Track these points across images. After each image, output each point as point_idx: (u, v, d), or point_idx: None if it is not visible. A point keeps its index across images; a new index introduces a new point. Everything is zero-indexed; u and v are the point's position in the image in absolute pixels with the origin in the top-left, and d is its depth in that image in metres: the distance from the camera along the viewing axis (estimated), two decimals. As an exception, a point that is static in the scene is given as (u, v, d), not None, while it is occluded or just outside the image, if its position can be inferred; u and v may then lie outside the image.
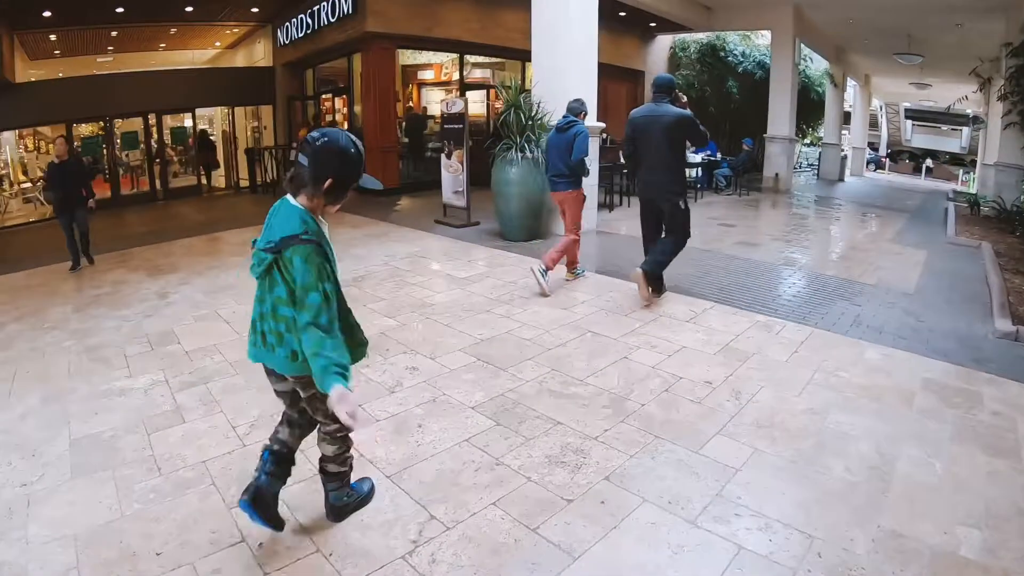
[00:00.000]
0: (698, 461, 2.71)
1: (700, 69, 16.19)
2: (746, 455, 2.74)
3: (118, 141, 13.46)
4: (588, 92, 7.76)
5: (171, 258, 7.76)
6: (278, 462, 2.26)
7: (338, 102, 13.54)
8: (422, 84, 14.42)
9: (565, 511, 2.41)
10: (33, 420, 3.44)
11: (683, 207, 4.80)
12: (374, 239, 8.04)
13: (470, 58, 13.33)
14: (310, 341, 1.87)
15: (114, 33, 12.41)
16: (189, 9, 11.68)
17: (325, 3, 11.48)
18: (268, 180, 13.33)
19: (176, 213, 12.00)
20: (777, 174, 13.48)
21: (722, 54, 16.08)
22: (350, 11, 10.88)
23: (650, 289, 4.79)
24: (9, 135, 13.11)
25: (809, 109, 17.79)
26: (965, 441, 2.90)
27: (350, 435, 2.26)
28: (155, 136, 14.00)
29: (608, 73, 14.93)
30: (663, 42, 16.48)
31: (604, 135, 10.57)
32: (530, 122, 7.46)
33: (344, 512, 2.37)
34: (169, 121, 14.62)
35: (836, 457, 2.74)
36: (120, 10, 10.79)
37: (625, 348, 4.04)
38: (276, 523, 2.22)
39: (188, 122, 15.31)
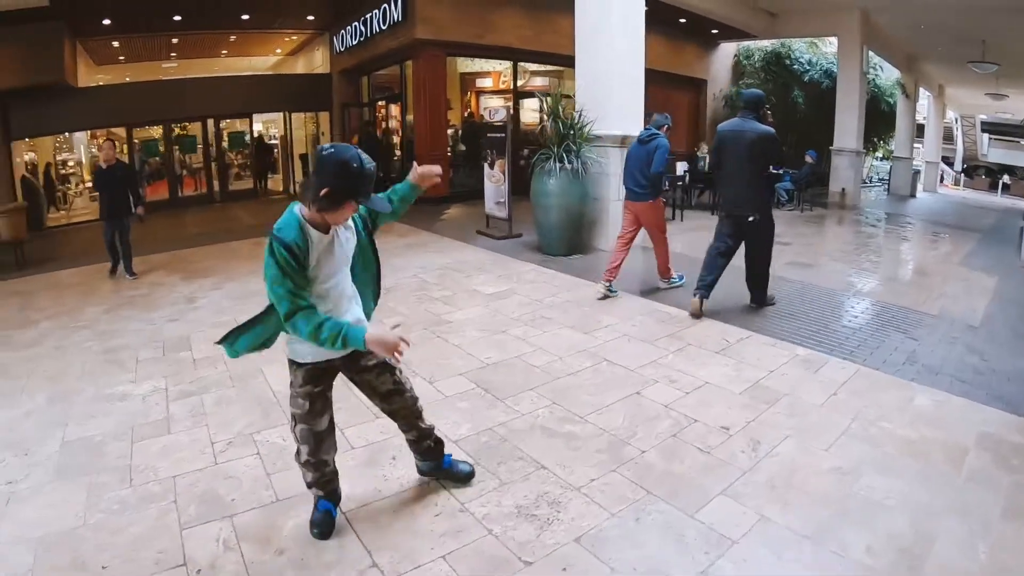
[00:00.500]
0: (690, 527, 2.35)
1: (764, 78, 15.45)
2: (750, 523, 2.36)
3: (177, 145, 13.99)
4: (633, 101, 7.42)
5: (211, 261, 7.89)
6: (425, 452, 2.60)
7: (392, 109, 13.63)
8: (480, 92, 14.36)
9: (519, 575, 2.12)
10: (35, 419, 3.53)
11: (767, 220, 4.95)
12: (413, 249, 7.94)
13: (528, 66, 13.17)
14: (304, 330, 1.96)
15: (175, 40, 12.93)
16: (245, 17, 12.01)
17: (377, 11, 11.54)
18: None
19: (229, 216, 12.33)
20: (843, 189, 12.64)
21: (787, 62, 15.30)
22: (399, 18, 10.89)
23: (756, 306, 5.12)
24: (81, 135, 13.84)
25: (879, 121, 16.69)
26: (1018, 517, 2.42)
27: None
28: (213, 140, 14.48)
29: (668, 82, 14.52)
30: (727, 50, 15.85)
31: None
32: (570, 131, 7.17)
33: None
34: (235, 125, 15.14)
35: (860, 531, 2.32)
36: (178, 18, 11.21)
37: (640, 381, 3.69)
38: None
39: (257, 126, 15.80)
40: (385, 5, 11.22)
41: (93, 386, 4.01)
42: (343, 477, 2.51)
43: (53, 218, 13.23)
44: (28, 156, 12.93)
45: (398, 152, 13.59)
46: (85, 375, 4.25)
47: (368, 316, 2.30)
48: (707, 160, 11.10)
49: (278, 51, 16.45)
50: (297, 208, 2.03)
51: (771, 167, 4.78)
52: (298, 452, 2.30)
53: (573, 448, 2.94)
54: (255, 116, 15.53)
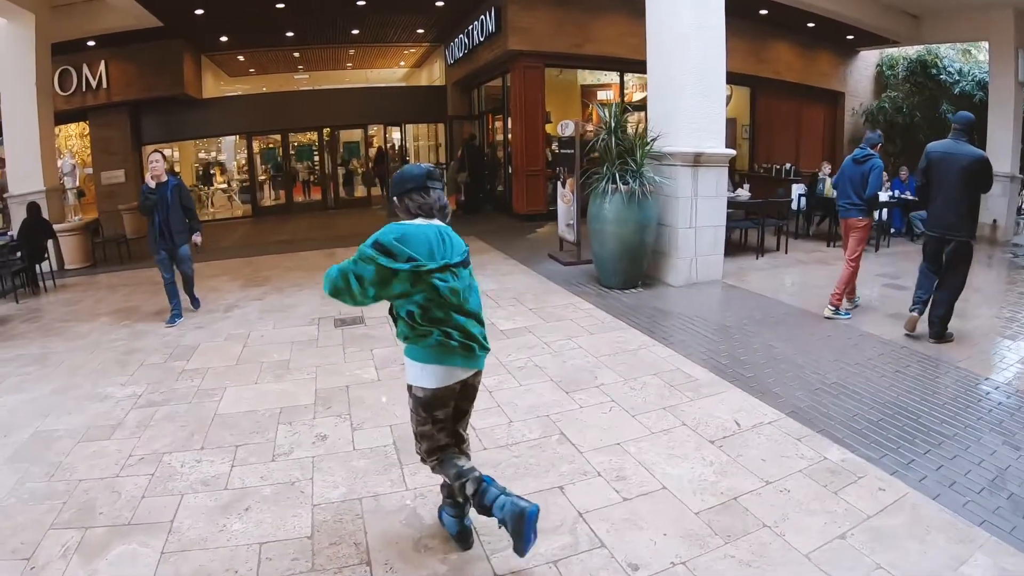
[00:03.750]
0: None
1: (909, 90, 13.16)
2: None
3: (293, 153, 14.82)
4: (711, 114, 6.44)
5: (276, 270, 8.07)
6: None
7: (498, 123, 13.39)
8: (603, 104, 13.66)
9: None
10: (31, 407, 3.93)
11: (969, 248, 4.72)
12: (466, 270, 7.54)
13: (640, 77, 12.32)
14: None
15: (296, 54, 13.66)
16: (355, 32, 12.33)
17: (476, 22, 11.33)
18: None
19: (331, 223, 12.76)
20: (995, 220, 10.17)
21: (933, 71, 12.87)
22: (493, 29, 10.58)
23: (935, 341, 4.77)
24: (230, 139, 15.14)
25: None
26: None
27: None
28: (328, 149, 15.16)
29: (798, 93, 12.91)
30: (868, 59, 13.72)
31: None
32: (634, 146, 6.33)
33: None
34: (354, 135, 15.76)
35: None
36: (290, 34, 11.77)
37: (577, 471, 2.89)
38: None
39: (394, 136, 16.28)
40: (483, 16, 10.97)
41: (91, 384, 4.31)
42: (185, 515, 2.41)
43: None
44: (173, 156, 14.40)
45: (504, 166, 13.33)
46: (93, 372, 4.57)
47: None
48: (826, 184, 9.59)
49: (402, 64, 16.93)
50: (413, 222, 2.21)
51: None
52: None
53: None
54: (387, 127, 16.04)
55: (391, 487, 2.83)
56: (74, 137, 12.87)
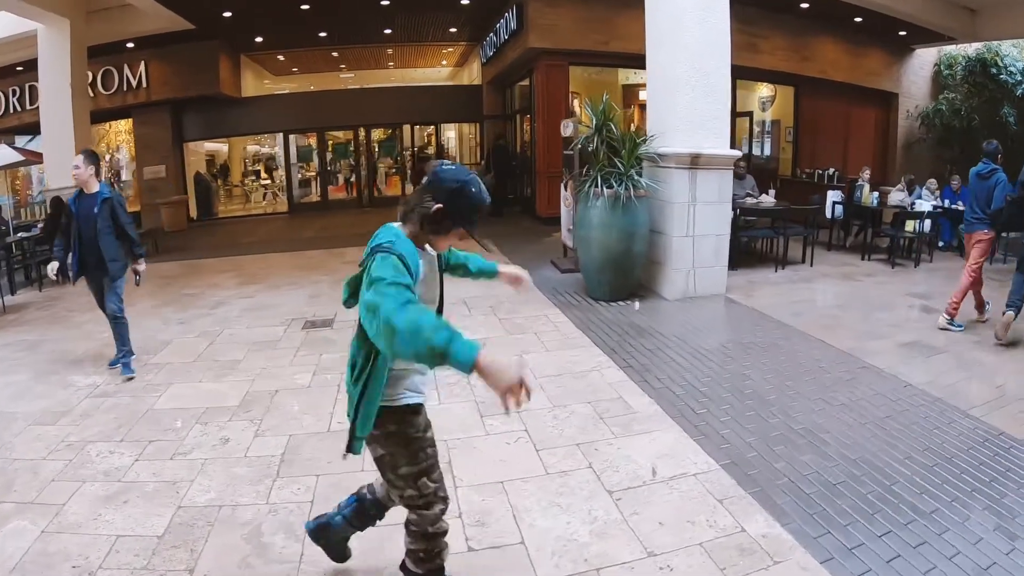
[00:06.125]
0: None
1: (968, 91, 12.00)
2: None
3: (330, 152, 15.11)
4: (713, 113, 5.99)
5: (278, 269, 8.20)
6: (358, 512, 2.16)
7: (528, 123, 13.18)
8: (644, 105, 13.28)
9: None
10: (6, 391, 4.20)
11: None
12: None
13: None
14: (409, 320, 1.47)
15: (335, 53, 13.88)
16: (387, 32, 12.39)
17: (502, 20, 11.15)
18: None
19: (361, 221, 12.85)
20: None
21: (994, 71, 11.65)
22: (515, 26, 10.37)
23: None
24: (276, 136, 15.65)
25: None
26: None
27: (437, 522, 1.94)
28: (364, 148, 15.39)
29: (847, 95, 12.04)
30: (924, 58, 12.58)
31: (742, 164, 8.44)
32: (623, 146, 5.96)
33: None
34: (388, 134, 15.92)
35: None
36: (323, 34, 11.96)
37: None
38: (339, 556, 2.27)
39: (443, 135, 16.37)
40: (507, 13, 10.78)
41: (66, 371, 4.56)
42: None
43: (229, 209, 15.22)
44: (215, 149, 14.95)
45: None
46: (70, 362, 4.79)
47: None
48: (864, 191, 8.85)
49: (444, 63, 16.96)
50: (397, 226, 1.77)
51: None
52: (437, 513, 1.92)
53: None
54: (425, 127, 16.18)
55: (253, 498, 2.79)
56: (124, 133, 13.61)
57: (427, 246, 1.80)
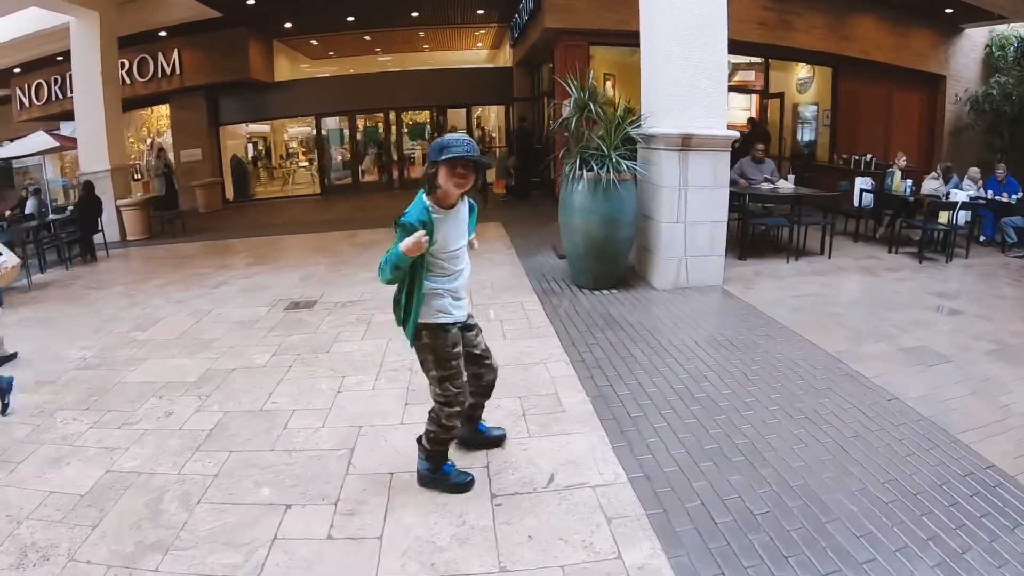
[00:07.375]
0: None
1: (1021, 75, 11.02)
2: None
3: (360, 135, 15.33)
4: (706, 89, 5.64)
5: (291, 250, 8.42)
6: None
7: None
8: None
9: None
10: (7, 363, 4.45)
11: None
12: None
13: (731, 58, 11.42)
14: (384, 261, 2.31)
15: (367, 37, 14.01)
16: (415, 15, 12.40)
17: (524, 1, 10.98)
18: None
19: (389, 204, 13.03)
20: None
21: None
22: (532, 6, 10.19)
23: None
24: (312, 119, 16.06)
25: None
26: None
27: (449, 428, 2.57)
28: (395, 131, 15.54)
29: (890, 77, 11.28)
30: (975, 39, 11.60)
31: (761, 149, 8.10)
32: (607, 126, 5.68)
33: (424, 481, 2.66)
34: (420, 117, 16.00)
35: None
36: (351, 19, 12.07)
37: (300, 496, 2.70)
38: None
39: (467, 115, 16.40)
40: (526, -8, 10.64)
41: (62, 346, 4.84)
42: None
43: (269, 191, 15.74)
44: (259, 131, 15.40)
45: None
46: (70, 336, 5.12)
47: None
48: (895, 178, 8.31)
49: (479, 45, 16.87)
50: (423, 195, 2.35)
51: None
52: (454, 411, 2.52)
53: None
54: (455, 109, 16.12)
55: (169, 468, 2.93)
56: (164, 118, 14.24)
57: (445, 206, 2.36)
